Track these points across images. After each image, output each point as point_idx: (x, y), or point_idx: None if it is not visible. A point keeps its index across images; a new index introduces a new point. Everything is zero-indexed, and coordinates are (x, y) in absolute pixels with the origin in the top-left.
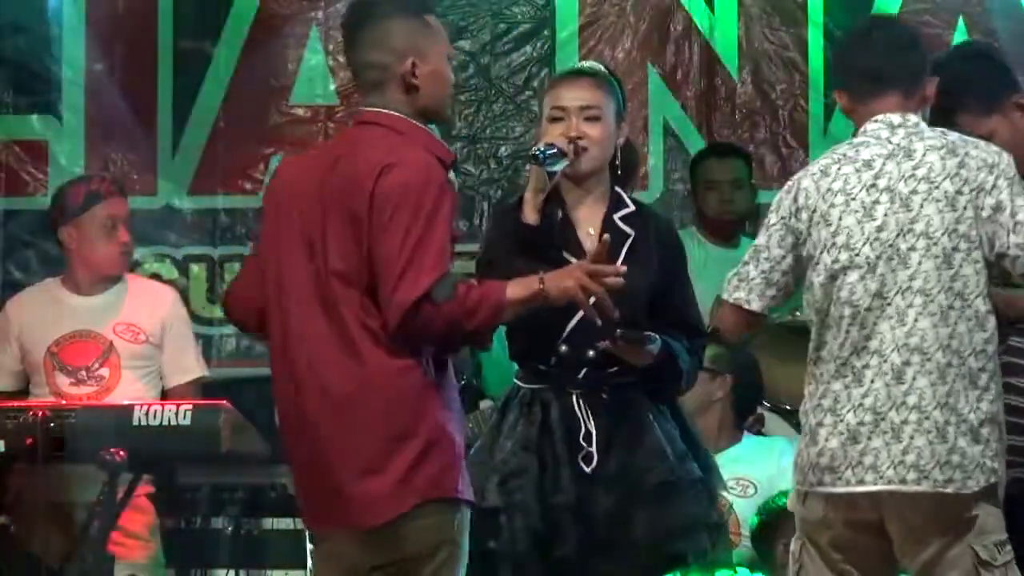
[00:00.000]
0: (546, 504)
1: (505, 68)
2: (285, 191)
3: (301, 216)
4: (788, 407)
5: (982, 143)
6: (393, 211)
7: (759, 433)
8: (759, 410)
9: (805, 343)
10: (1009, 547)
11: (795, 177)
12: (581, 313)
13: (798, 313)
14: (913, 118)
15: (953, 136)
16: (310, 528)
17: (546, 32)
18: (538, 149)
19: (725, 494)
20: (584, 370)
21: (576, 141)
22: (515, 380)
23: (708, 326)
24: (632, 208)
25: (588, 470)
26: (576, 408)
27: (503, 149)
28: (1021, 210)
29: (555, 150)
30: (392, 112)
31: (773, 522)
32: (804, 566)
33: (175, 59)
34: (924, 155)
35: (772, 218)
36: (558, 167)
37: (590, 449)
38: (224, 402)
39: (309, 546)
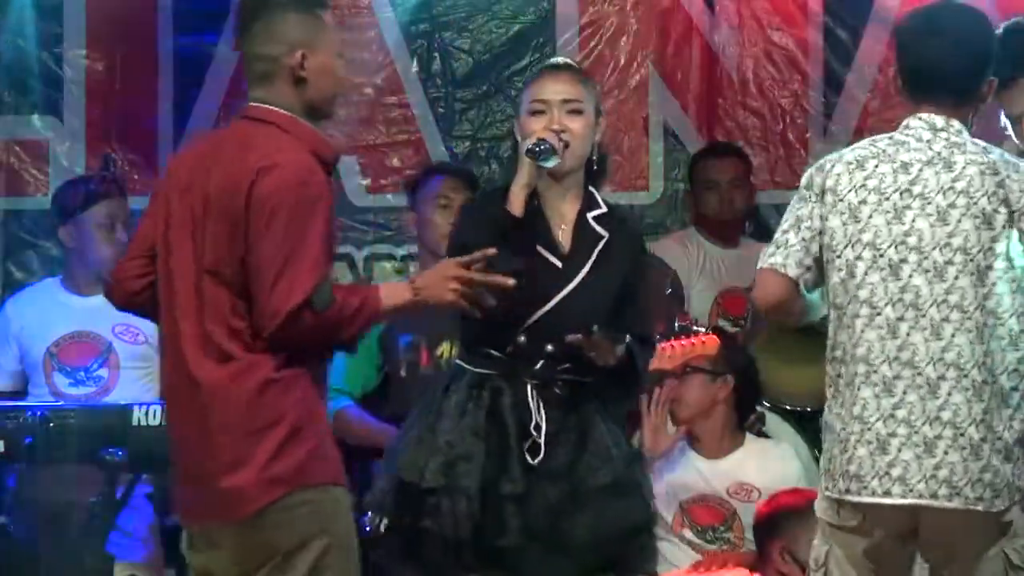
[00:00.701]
0: (487, 492)
1: (505, 68)
2: (175, 183)
3: (192, 212)
4: (788, 407)
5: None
6: (269, 216)
7: (760, 433)
8: (759, 408)
9: (806, 343)
10: None
11: (827, 158)
12: (545, 309)
13: None
14: (956, 124)
15: (995, 155)
16: (184, 525)
17: (547, 32)
18: (534, 144)
19: (729, 500)
20: (540, 363)
21: (559, 135)
22: (459, 361)
23: (708, 326)
24: (604, 209)
25: (533, 462)
26: (529, 399)
27: (504, 149)
28: None
29: (548, 146)
30: (279, 109)
31: (776, 517)
32: (829, 571)
33: (175, 59)
34: (964, 168)
35: (809, 193)
36: (550, 164)
37: (538, 441)
38: None
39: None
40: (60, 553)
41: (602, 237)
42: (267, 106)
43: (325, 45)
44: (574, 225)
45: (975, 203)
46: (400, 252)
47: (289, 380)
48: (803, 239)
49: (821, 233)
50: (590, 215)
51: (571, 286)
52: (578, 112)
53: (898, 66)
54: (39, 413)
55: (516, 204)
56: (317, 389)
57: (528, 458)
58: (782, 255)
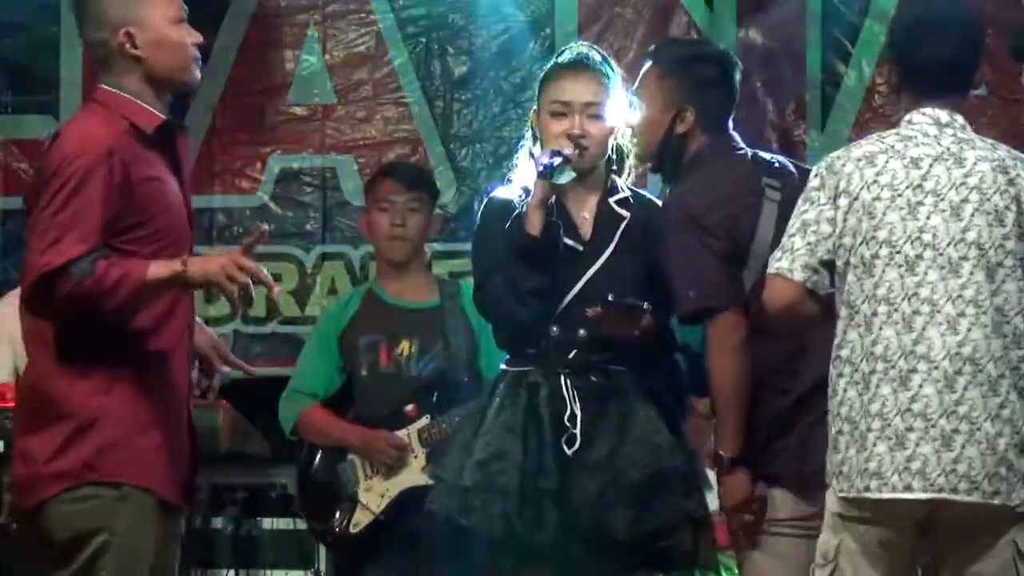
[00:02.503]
0: (526, 488)
1: (505, 68)
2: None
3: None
4: None
5: None
6: (45, 184)
7: None
8: None
9: None
10: None
11: (833, 157)
12: (572, 294)
13: None
14: (960, 119)
15: (1002, 151)
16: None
17: (546, 31)
18: (546, 164)
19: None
20: (574, 351)
21: (578, 140)
22: (503, 366)
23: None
24: (627, 194)
25: (570, 452)
26: (563, 389)
27: (503, 149)
28: None
29: (561, 159)
30: (106, 87)
31: None
32: (840, 566)
33: None
34: (975, 164)
35: (820, 196)
36: (564, 179)
37: (573, 431)
38: (224, 402)
39: None
40: None
41: (624, 218)
42: (102, 87)
43: (154, 17)
44: (596, 211)
45: (988, 199)
46: None
47: (80, 374)
48: (808, 243)
49: (833, 235)
50: (611, 200)
51: (594, 268)
52: (598, 116)
53: (896, 62)
54: None
55: (534, 224)
56: (129, 384)
57: (565, 449)
58: (788, 260)
